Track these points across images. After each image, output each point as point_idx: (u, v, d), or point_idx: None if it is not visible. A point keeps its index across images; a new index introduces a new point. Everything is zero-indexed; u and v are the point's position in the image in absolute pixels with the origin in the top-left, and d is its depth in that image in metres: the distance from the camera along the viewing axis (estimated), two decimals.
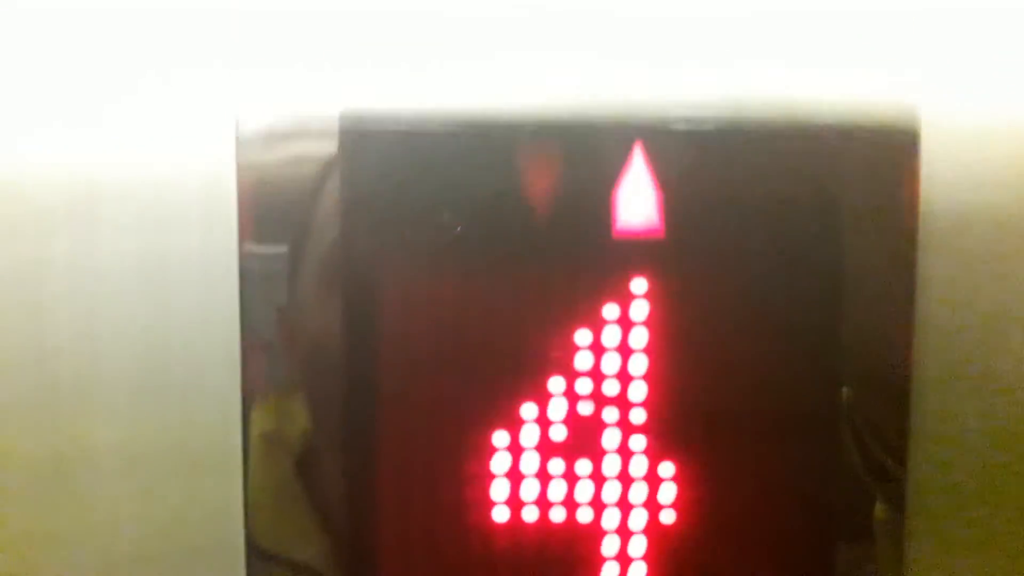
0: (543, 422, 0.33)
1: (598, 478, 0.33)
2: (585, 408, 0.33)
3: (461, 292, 0.33)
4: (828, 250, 0.32)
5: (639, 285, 0.32)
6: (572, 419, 0.33)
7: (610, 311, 0.32)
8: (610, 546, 0.33)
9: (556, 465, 0.33)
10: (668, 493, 0.33)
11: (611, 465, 0.33)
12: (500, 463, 0.33)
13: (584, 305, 0.32)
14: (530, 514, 0.33)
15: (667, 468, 0.33)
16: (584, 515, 0.33)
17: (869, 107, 0.33)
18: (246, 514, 0.32)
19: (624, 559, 0.33)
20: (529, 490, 0.33)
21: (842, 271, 0.32)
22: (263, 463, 0.32)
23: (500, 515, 0.33)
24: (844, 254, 0.32)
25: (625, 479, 0.33)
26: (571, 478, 0.33)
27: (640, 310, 0.32)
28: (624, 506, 0.33)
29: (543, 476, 0.33)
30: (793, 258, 0.32)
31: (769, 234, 0.32)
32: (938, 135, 0.33)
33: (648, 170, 0.32)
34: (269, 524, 0.33)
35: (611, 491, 0.33)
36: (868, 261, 0.33)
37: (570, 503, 0.33)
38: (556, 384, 0.33)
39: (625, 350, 0.33)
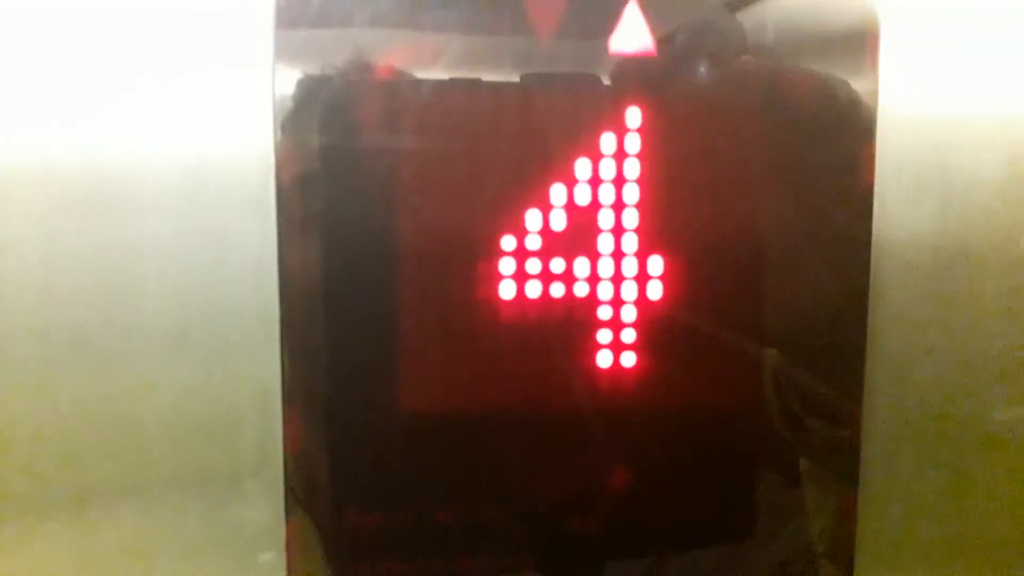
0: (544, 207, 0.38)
1: (593, 255, 0.38)
2: (583, 195, 0.38)
3: (482, 104, 0.37)
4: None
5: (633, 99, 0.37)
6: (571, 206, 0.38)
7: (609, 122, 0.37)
8: (604, 313, 0.39)
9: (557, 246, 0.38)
10: (656, 267, 0.38)
11: (606, 243, 0.38)
12: (508, 242, 0.38)
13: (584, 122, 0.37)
14: (534, 289, 0.38)
15: (656, 244, 0.38)
16: (581, 289, 0.38)
17: None
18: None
19: (616, 325, 0.39)
20: (534, 265, 0.38)
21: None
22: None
23: (507, 290, 0.38)
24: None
25: (618, 256, 0.38)
26: (570, 255, 0.38)
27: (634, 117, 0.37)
28: (617, 279, 0.38)
29: (545, 253, 0.38)
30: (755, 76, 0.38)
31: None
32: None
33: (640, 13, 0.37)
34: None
35: (606, 267, 0.38)
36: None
37: (568, 277, 0.38)
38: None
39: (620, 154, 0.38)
